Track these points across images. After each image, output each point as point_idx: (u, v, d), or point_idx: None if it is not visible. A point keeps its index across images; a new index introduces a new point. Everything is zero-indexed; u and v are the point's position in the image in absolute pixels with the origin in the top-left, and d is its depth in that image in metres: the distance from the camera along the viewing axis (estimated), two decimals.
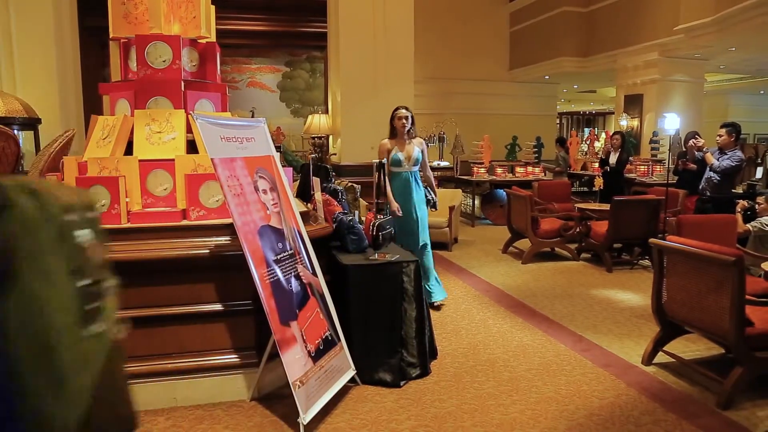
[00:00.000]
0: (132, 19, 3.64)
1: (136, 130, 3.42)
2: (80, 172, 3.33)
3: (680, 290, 3.55)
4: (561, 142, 11.29)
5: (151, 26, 3.60)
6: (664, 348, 3.81)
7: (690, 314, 3.51)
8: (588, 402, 3.26)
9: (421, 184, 4.91)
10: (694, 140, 6.82)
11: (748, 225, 4.89)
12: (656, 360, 3.80)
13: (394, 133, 4.79)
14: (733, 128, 5.90)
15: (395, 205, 4.64)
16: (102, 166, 3.23)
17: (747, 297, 3.21)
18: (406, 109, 4.82)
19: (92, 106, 6.33)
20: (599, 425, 3.00)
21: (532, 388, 3.42)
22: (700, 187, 6.19)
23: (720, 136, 5.93)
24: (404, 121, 4.74)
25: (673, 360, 3.77)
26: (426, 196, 4.94)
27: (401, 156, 4.74)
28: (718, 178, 5.92)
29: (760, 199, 5.03)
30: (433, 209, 5.08)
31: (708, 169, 6.05)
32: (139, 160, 3.28)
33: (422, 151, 4.84)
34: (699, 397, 3.34)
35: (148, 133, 3.42)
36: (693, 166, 6.94)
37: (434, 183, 5.19)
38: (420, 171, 4.93)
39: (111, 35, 3.69)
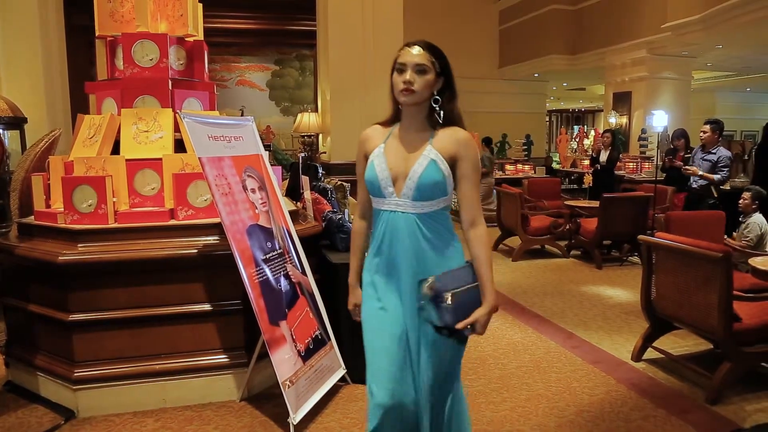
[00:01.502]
0: (118, 18, 3.60)
1: (123, 129, 3.39)
2: (66, 172, 3.29)
3: (669, 286, 3.58)
4: (486, 141, 10.88)
5: (137, 24, 3.57)
6: (654, 344, 3.84)
7: (679, 310, 3.53)
8: (578, 399, 3.27)
9: (445, 251, 1.96)
10: (685, 169, 6.34)
11: (742, 240, 4.91)
12: (646, 356, 3.83)
13: (396, 114, 2.01)
14: (717, 125, 5.91)
15: (355, 296, 2.20)
16: (88, 165, 3.20)
17: (735, 293, 3.23)
18: (425, 47, 1.94)
19: (79, 105, 6.25)
20: (589, 422, 3.01)
21: (523, 386, 3.43)
22: (689, 184, 6.18)
23: (704, 132, 5.94)
24: (408, 76, 1.91)
25: (663, 356, 3.80)
26: (438, 310, 1.84)
27: (381, 167, 1.94)
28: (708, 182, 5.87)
29: (746, 195, 5.06)
30: (457, 340, 1.96)
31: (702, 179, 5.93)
32: (126, 160, 3.25)
33: (457, 161, 1.89)
34: (688, 392, 3.36)
35: (135, 132, 3.38)
36: (680, 163, 6.94)
37: (491, 273, 1.96)
38: (444, 216, 1.96)
39: (97, 33, 3.65)
